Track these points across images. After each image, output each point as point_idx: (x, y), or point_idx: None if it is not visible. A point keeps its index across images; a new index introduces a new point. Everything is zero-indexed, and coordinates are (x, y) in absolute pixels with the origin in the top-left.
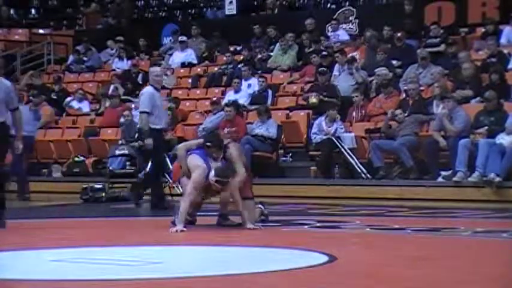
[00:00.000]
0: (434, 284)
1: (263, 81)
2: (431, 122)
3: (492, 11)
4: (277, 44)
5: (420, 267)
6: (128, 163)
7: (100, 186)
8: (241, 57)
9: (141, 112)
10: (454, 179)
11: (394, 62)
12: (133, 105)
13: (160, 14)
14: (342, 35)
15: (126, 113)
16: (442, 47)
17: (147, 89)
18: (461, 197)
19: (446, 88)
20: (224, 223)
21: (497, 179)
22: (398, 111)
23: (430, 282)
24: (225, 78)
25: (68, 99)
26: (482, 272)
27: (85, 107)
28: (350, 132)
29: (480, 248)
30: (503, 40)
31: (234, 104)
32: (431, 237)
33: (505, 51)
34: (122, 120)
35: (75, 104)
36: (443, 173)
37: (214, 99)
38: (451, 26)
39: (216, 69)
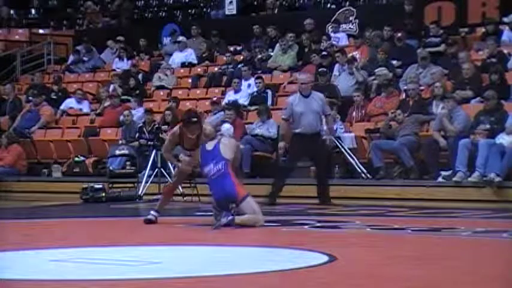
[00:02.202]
0: (435, 284)
1: (260, 82)
2: (431, 122)
3: (492, 11)
4: (277, 44)
5: (420, 267)
6: (128, 163)
7: (100, 186)
8: (241, 57)
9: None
10: (454, 179)
11: (394, 62)
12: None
13: (160, 14)
14: (342, 38)
15: (126, 112)
16: (442, 47)
17: (291, 96)
18: (461, 197)
19: (446, 88)
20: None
21: (497, 179)
22: (398, 112)
23: (430, 283)
24: (225, 78)
25: (66, 101)
26: (482, 272)
27: (85, 107)
28: (350, 132)
29: (480, 248)
30: (503, 40)
31: (234, 106)
32: (431, 237)
33: (505, 51)
34: (121, 119)
35: (74, 105)
36: (443, 173)
37: (215, 99)
38: (451, 26)
39: (216, 69)
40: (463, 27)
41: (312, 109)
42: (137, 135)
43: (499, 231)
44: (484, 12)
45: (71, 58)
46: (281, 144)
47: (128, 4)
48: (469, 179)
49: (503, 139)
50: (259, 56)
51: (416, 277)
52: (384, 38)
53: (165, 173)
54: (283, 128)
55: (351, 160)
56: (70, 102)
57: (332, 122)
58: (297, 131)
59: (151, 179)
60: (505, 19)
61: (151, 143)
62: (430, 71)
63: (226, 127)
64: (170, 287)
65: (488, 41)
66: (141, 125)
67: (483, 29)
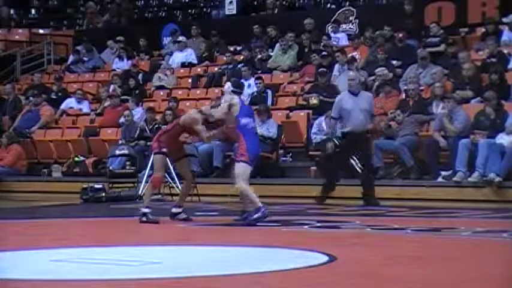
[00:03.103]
0: (435, 284)
1: (260, 83)
2: (432, 122)
3: (492, 10)
4: (277, 44)
5: (420, 267)
6: (128, 163)
7: (100, 186)
8: (241, 57)
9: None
10: (454, 179)
11: (394, 62)
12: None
13: (161, 14)
14: (342, 38)
15: (126, 112)
16: (442, 47)
17: (340, 94)
18: (461, 197)
19: (446, 88)
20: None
21: (497, 179)
22: (398, 112)
23: (430, 282)
24: (225, 78)
25: (66, 101)
26: (482, 271)
27: (85, 107)
28: None
29: (480, 248)
30: (503, 40)
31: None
32: (431, 237)
33: (505, 51)
34: (122, 120)
35: (74, 105)
36: (443, 173)
37: (216, 98)
38: (451, 26)
39: (216, 69)
40: (463, 27)
41: (360, 107)
42: (137, 134)
43: (499, 231)
44: (484, 12)
45: (71, 58)
46: (329, 144)
47: (127, 4)
48: (469, 179)
49: (503, 139)
50: (259, 56)
51: (416, 277)
52: (386, 38)
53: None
54: (331, 126)
55: (351, 160)
56: (70, 102)
57: (377, 122)
58: (346, 129)
59: (151, 179)
60: (505, 19)
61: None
62: (430, 71)
63: (229, 84)
64: (170, 287)
65: (488, 41)
66: (142, 124)
67: (483, 29)
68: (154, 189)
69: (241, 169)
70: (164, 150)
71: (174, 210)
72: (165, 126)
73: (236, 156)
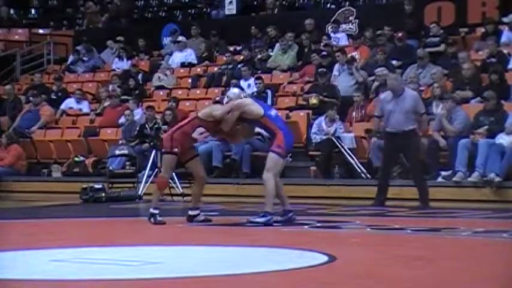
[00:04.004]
0: (435, 284)
1: (260, 83)
2: (431, 122)
3: (492, 11)
4: (277, 44)
5: (420, 267)
6: (127, 163)
7: (100, 186)
8: (241, 57)
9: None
10: (454, 179)
11: (394, 62)
12: None
13: (160, 14)
14: (342, 38)
15: (127, 112)
16: (442, 47)
17: (384, 93)
18: (461, 197)
19: (445, 88)
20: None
21: (497, 179)
22: None
23: (430, 283)
24: (224, 78)
25: (66, 101)
26: (482, 272)
27: (85, 107)
28: (350, 132)
29: (480, 248)
30: (503, 40)
31: None
32: (431, 237)
33: (505, 51)
34: (122, 119)
35: (74, 105)
36: (443, 173)
37: (218, 98)
38: (450, 26)
39: (215, 69)
40: (463, 27)
41: (401, 108)
42: (136, 132)
43: (498, 231)
44: (484, 12)
45: (71, 58)
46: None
47: (127, 4)
48: (469, 179)
49: (502, 139)
50: (259, 56)
51: (416, 277)
52: (387, 38)
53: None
54: (375, 124)
55: (351, 160)
56: (70, 102)
57: (425, 122)
58: (387, 129)
59: (151, 179)
60: (505, 19)
61: (152, 143)
62: (430, 71)
63: (233, 91)
64: (167, 287)
65: (488, 41)
66: (142, 122)
67: (483, 29)
68: (160, 191)
69: (274, 161)
70: (176, 150)
71: (190, 212)
72: (165, 126)
73: (271, 146)
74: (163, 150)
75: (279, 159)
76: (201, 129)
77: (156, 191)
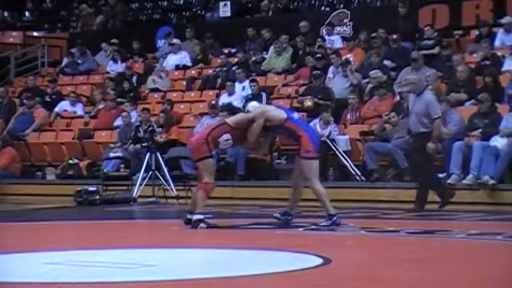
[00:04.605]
0: (429, 286)
1: (255, 85)
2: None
3: (486, 13)
4: (272, 47)
5: (415, 269)
6: (122, 165)
7: (94, 188)
8: (236, 60)
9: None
10: (449, 181)
11: (388, 63)
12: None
13: (155, 16)
14: (336, 40)
15: (124, 114)
16: (436, 50)
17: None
18: (456, 199)
19: (440, 91)
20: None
21: (491, 181)
22: (392, 114)
23: (425, 285)
24: (219, 80)
25: (60, 104)
26: (476, 274)
27: (79, 109)
28: (344, 134)
29: (474, 250)
30: (497, 43)
31: (229, 108)
32: (425, 239)
33: (499, 53)
34: (119, 121)
35: (68, 107)
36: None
37: (213, 102)
38: (445, 28)
39: (210, 71)
40: (457, 30)
41: (416, 110)
42: (133, 133)
43: (493, 234)
44: (478, 15)
45: (65, 61)
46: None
47: (121, 7)
48: (463, 181)
49: (497, 141)
50: (254, 59)
51: (410, 279)
52: (382, 40)
53: (159, 176)
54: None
55: (345, 162)
56: (64, 105)
57: (438, 126)
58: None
59: (145, 181)
60: (502, 20)
61: (146, 144)
62: (425, 73)
63: (253, 104)
64: None
65: (482, 43)
66: (138, 124)
67: (477, 32)
68: (206, 197)
69: (310, 167)
70: (213, 153)
71: (190, 216)
72: (159, 128)
73: (300, 153)
74: (200, 155)
75: (312, 162)
76: (227, 136)
77: (202, 198)
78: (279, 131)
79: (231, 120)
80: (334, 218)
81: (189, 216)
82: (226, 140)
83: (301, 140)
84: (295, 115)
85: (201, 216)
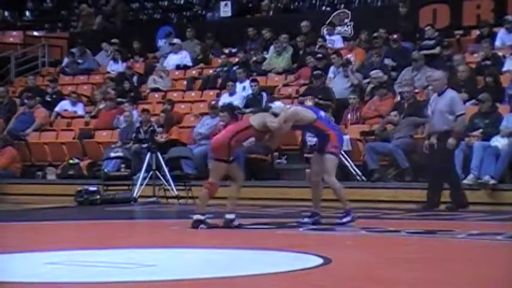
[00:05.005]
0: (430, 286)
1: (255, 85)
2: (427, 124)
3: (487, 13)
4: (272, 47)
5: (416, 269)
6: (122, 165)
7: (95, 188)
8: (236, 60)
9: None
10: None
11: (389, 61)
12: None
13: (155, 16)
14: (337, 40)
15: (126, 114)
16: (437, 50)
17: (451, 92)
18: None
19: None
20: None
21: (492, 181)
22: (393, 114)
23: (426, 285)
24: (219, 80)
25: (60, 103)
26: (477, 274)
27: (79, 109)
28: (345, 134)
29: (475, 250)
30: (497, 43)
31: (229, 108)
32: (426, 239)
33: (500, 53)
34: (122, 120)
35: (69, 107)
36: None
37: (213, 103)
38: (445, 28)
39: (210, 71)
40: (458, 30)
41: (438, 108)
42: (134, 135)
43: (493, 234)
44: (479, 15)
45: (66, 60)
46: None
47: (122, 6)
48: (464, 181)
49: (497, 141)
50: (254, 59)
51: (411, 279)
52: (382, 40)
53: (159, 176)
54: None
55: (346, 162)
56: (64, 105)
57: (461, 124)
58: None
59: (146, 181)
60: (509, 17)
61: (146, 145)
62: (425, 73)
63: (278, 105)
64: None
65: (483, 43)
66: (138, 125)
67: (478, 32)
68: (210, 197)
69: (334, 162)
70: (231, 159)
71: (228, 216)
72: (160, 128)
73: (326, 148)
74: (217, 157)
75: (336, 159)
76: (252, 139)
77: (205, 197)
78: (304, 128)
79: (257, 123)
80: (352, 214)
81: (228, 216)
82: (251, 142)
83: (330, 137)
84: (322, 113)
85: (201, 217)
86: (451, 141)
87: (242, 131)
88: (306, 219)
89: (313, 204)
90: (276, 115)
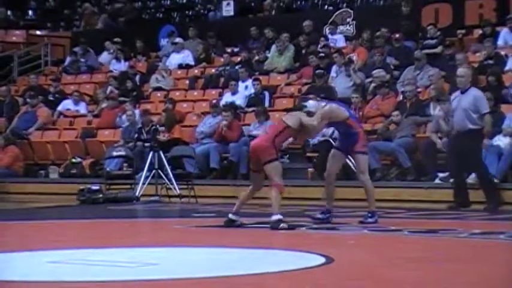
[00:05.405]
0: (432, 285)
1: (258, 84)
2: (429, 123)
3: (489, 12)
4: (273, 46)
5: (418, 268)
6: (125, 164)
7: (97, 187)
8: (239, 59)
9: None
10: (451, 180)
11: (391, 63)
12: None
13: (158, 15)
14: (339, 40)
15: (129, 113)
16: (439, 49)
17: (475, 90)
18: None
19: (443, 90)
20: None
21: (495, 180)
22: (395, 113)
23: (429, 284)
24: (222, 79)
25: (63, 102)
26: (480, 273)
27: (82, 108)
28: None
29: (478, 249)
30: (500, 42)
31: (231, 107)
32: (428, 238)
33: (502, 53)
34: (123, 119)
35: (71, 106)
36: (440, 174)
37: (215, 101)
38: (448, 27)
39: (213, 70)
40: (460, 29)
41: (461, 106)
42: (136, 135)
43: (496, 233)
44: (481, 14)
45: (68, 59)
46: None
47: (127, 6)
48: (467, 180)
49: (500, 141)
50: (257, 58)
51: (413, 278)
52: (384, 39)
53: (162, 175)
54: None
55: (348, 162)
56: (67, 104)
57: (489, 123)
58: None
59: (148, 180)
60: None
61: (149, 144)
62: (428, 72)
63: (312, 103)
64: None
65: (485, 42)
66: (140, 126)
67: (480, 31)
68: (280, 197)
69: (366, 161)
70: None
71: (231, 216)
72: (162, 127)
73: (356, 147)
74: (268, 158)
75: (367, 157)
76: (291, 139)
77: (277, 197)
78: (335, 125)
79: (293, 123)
80: (376, 217)
81: (231, 216)
82: (290, 142)
83: (359, 135)
84: (352, 111)
85: (280, 216)
86: (486, 142)
87: (281, 132)
88: (318, 215)
89: (327, 202)
90: (310, 113)
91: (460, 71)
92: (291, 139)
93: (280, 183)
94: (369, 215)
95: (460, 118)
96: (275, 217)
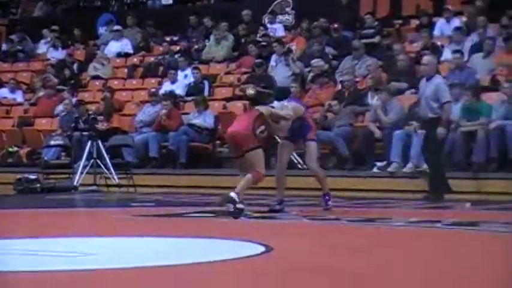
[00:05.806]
0: (370, 274)
1: (197, 73)
2: (367, 113)
3: (426, 3)
4: (212, 35)
5: (354, 256)
6: (62, 153)
7: (34, 177)
8: (178, 48)
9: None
10: (389, 169)
11: (329, 53)
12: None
13: (96, 3)
14: (278, 29)
15: (66, 101)
16: (377, 39)
17: (438, 79)
18: (396, 187)
19: (381, 79)
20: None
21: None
22: (334, 102)
23: (366, 272)
24: (161, 68)
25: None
26: (415, 261)
27: (19, 96)
28: None
29: (414, 238)
30: (436, 32)
31: (171, 96)
32: (365, 227)
33: (438, 43)
34: (60, 108)
35: (8, 94)
36: (378, 163)
37: (154, 90)
38: (385, 17)
39: (152, 59)
40: (398, 19)
41: (426, 94)
42: (73, 125)
43: (432, 221)
44: (418, 5)
45: (5, 47)
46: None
47: None
48: (403, 169)
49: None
50: (196, 47)
51: (352, 266)
52: (323, 29)
53: (100, 164)
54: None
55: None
56: (3, 92)
57: (448, 112)
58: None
59: (86, 169)
60: (447, 6)
61: (87, 133)
62: (365, 62)
63: (277, 103)
64: (103, 278)
65: (422, 32)
66: (76, 116)
67: (417, 21)
68: (254, 184)
69: (315, 149)
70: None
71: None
72: (100, 116)
73: (309, 135)
74: (251, 146)
75: (316, 144)
76: (263, 127)
77: (248, 182)
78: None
79: (265, 111)
80: (327, 197)
81: (239, 205)
82: (262, 132)
83: (312, 127)
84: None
85: (237, 199)
86: (440, 130)
87: (257, 118)
88: (277, 207)
89: (278, 192)
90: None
91: (425, 59)
92: (262, 127)
93: (262, 172)
94: (326, 197)
95: (423, 107)
96: (233, 194)
